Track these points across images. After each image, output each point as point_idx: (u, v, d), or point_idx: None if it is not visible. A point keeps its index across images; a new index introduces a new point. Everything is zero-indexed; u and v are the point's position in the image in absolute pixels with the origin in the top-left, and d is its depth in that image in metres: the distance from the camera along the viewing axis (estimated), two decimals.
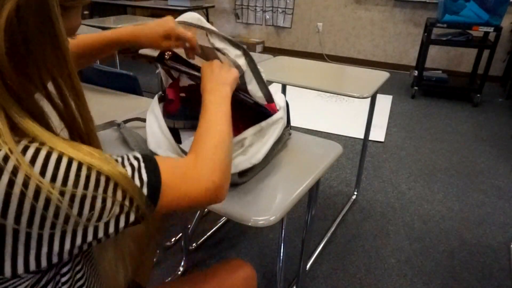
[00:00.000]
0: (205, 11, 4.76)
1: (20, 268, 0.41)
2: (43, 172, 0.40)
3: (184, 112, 1.01)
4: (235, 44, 0.81)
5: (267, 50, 5.17)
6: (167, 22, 0.82)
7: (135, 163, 0.49)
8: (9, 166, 0.38)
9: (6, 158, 0.38)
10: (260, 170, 0.88)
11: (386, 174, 2.24)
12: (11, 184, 0.38)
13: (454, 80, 3.69)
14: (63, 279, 0.48)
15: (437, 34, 3.43)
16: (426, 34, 3.38)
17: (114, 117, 1.04)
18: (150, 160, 0.51)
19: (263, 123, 0.85)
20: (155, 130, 0.84)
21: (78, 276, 0.51)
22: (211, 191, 0.56)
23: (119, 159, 0.48)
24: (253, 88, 0.85)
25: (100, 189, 0.43)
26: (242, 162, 0.80)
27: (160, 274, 1.48)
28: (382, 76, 1.69)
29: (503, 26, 3.19)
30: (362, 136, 1.93)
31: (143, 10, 4.65)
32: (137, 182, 0.47)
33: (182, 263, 1.53)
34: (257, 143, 0.84)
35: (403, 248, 1.66)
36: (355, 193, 2.02)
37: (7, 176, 0.38)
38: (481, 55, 3.62)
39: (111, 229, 0.45)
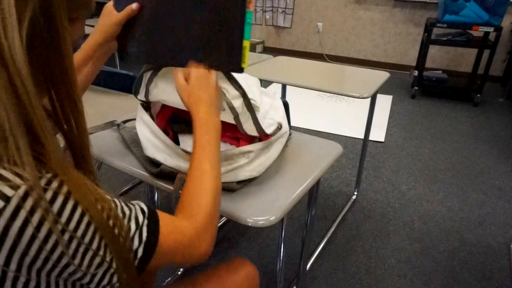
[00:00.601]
0: None
1: None
2: (59, 215, 0.39)
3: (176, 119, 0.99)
4: (236, 84, 0.78)
5: (267, 50, 5.17)
6: (109, 17, 0.77)
7: (140, 218, 0.49)
8: (27, 205, 0.37)
9: (26, 196, 0.37)
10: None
11: (386, 174, 2.24)
12: (25, 223, 0.37)
13: (454, 80, 3.69)
14: None
15: (437, 34, 3.43)
16: (426, 34, 3.38)
17: (114, 117, 1.04)
18: (153, 219, 0.51)
19: (273, 138, 0.86)
20: (148, 136, 0.84)
21: None
22: (201, 259, 0.58)
23: (126, 211, 0.48)
24: (250, 127, 0.82)
25: (94, 245, 0.43)
26: (243, 173, 0.81)
27: (160, 275, 1.48)
28: (382, 76, 1.69)
29: (503, 26, 3.19)
30: (362, 136, 1.94)
31: None
32: (136, 241, 0.48)
33: None
34: (261, 157, 0.84)
35: (403, 248, 1.66)
36: (355, 193, 2.02)
37: (23, 214, 0.37)
38: (481, 55, 3.62)
39: (93, 285, 0.45)
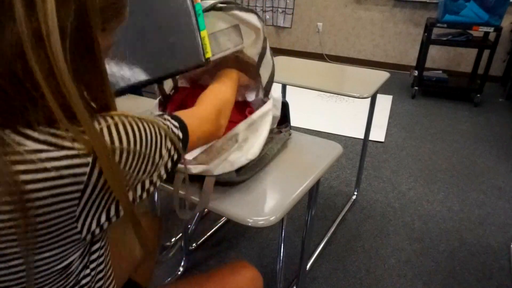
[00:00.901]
0: None
1: (93, 226, 0.47)
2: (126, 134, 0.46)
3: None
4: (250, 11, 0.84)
5: None
6: None
7: (167, 118, 0.59)
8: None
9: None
10: (260, 170, 0.88)
11: (386, 174, 2.24)
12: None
13: (454, 80, 3.69)
14: (93, 256, 0.53)
15: (437, 34, 3.43)
16: (426, 34, 3.38)
17: None
18: (173, 116, 0.61)
19: (254, 116, 0.86)
20: None
21: (103, 254, 0.56)
22: (220, 131, 0.72)
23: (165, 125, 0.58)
24: (263, 70, 0.88)
25: (162, 141, 0.53)
26: (238, 158, 0.80)
27: (160, 274, 1.48)
28: (382, 76, 1.69)
29: (503, 26, 3.19)
30: (362, 136, 1.94)
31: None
32: (174, 130, 0.58)
33: (182, 263, 1.53)
34: (251, 138, 0.84)
35: (403, 248, 1.66)
36: (355, 193, 2.02)
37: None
38: (481, 55, 3.62)
39: (163, 172, 0.55)
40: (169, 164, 0.56)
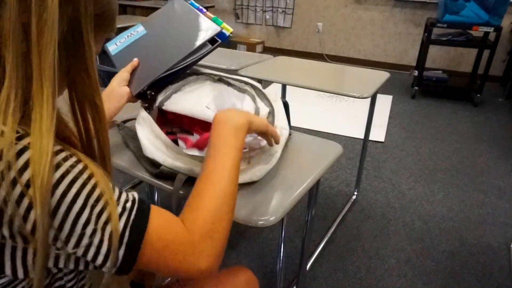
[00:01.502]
0: None
1: (20, 273, 0.42)
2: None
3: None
4: (267, 101, 0.90)
5: (267, 50, 5.17)
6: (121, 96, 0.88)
7: (128, 208, 0.46)
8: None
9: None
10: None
11: (386, 174, 2.24)
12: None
13: (454, 80, 3.69)
14: (69, 282, 0.49)
15: (437, 34, 3.43)
16: (426, 34, 3.38)
17: (114, 117, 1.04)
18: (144, 209, 0.47)
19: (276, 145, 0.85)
20: (148, 136, 0.84)
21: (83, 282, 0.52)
22: (201, 274, 0.49)
23: (116, 194, 0.46)
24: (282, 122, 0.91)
25: (101, 222, 0.42)
26: (243, 176, 0.80)
27: (159, 275, 1.48)
28: (382, 76, 1.69)
29: (503, 26, 3.19)
30: (362, 136, 1.94)
31: (143, 10, 4.64)
32: (122, 222, 0.44)
33: None
34: (262, 164, 0.83)
35: (403, 248, 1.66)
36: (355, 193, 2.02)
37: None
38: (481, 55, 3.62)
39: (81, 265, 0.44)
40: (91, 253, 0.42)
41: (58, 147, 0.41)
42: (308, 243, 1.13)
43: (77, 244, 0.41)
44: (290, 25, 4.92)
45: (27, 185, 0.37)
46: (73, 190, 0.40)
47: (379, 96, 3.42)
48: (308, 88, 1.52)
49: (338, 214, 1.86)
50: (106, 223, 0.42)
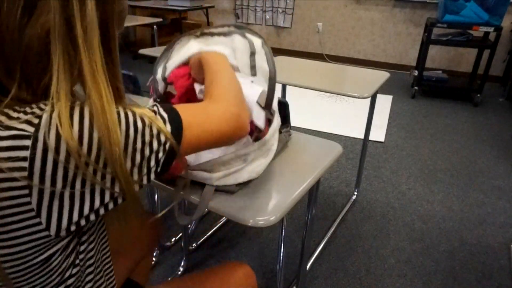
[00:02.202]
0: (205, 11, 4.77)
1: (64, 223, 0.45)
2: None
3: None
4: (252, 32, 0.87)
5: None
6: None
7: (155, 108, 0.53)
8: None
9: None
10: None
11: (386, 174, 2.24)
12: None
13: (454, 80, 3.69)
14: (81, 248, 0.52)
15: (437, 34, 3.43)
16: (426, 34, 3.38)
17: None
18: (166, 106, 0.55)
19: (267, 136, 0.83)
20: None
21: (90, 247, 0.55)
22: (232, 121, 0.60)
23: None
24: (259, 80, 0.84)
25: (145, 129, 0.48)
26: (242, 175, 0.80)
27: (160, 274, 1.48)
28: (382, 76, 1.69)
29: (503, 26, 3.19)
30: (362, 136, 1.94)
31: (143, 10, 4.65)
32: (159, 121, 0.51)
33: (182, 263, 1.53)
34: (260, 158, 0.83)
35: (403, 248, 1.66)
36: (355, 193, 2.02)
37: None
38: (481, 55, 3.62)
39: (153, 164, 0.50)
40: (160, 155, 0.51)
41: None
42: (308, 243, 1.13)
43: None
44: (290, 25, 4.92)
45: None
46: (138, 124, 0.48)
47: (379, 96, 3.42)
48: (308, 88, 1.52)
49: (338, 214, 1.86)
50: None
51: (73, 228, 0.46)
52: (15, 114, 0.43)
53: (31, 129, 0.41)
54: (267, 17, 5.02)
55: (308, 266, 1.53)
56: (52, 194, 0.43)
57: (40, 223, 0.44)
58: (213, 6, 4.76)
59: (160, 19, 3.60)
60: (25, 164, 0.41)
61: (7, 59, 0.44)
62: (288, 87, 1.81)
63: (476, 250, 1.66)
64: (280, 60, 1.91)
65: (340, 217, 1.83)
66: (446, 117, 3.13)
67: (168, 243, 1.64)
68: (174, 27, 4.78)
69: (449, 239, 1.73)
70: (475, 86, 3.44)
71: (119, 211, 0.51)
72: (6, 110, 0.43)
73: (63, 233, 0.46)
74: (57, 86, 0.43)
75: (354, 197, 2.00)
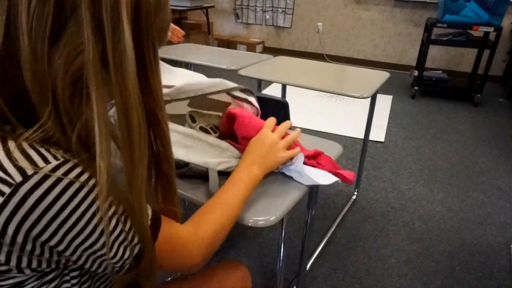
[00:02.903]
0: (205, 11, 4.77)
1: (24, 264, 0.42)
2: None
3: None
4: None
5: (267, 50, 5.17)
6: None
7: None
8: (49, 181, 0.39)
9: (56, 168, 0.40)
10: None
11: (386, 174, 2.24)
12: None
13: (454, 80, 3.69)
14: (73, 281, 0.50)
15: (437, 34, 3.43)
16: (426, 34, 3.38)
17: None
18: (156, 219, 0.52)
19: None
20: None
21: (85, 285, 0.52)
22: (192, 268, 0.59)
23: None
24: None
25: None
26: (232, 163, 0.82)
27: (160, 274, 1.48)
28: (382, 76, 1.69)
29: (503, 26, 3.19)
30: (362, 136, 1.93)
31: None
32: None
33: None
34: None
35: (403, 248, 1.66)
36: (355, 193, 2.02)
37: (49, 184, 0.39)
38: (481, 55, 3.62)
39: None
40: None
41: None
42: (308, 243, 1.13)
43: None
44: (290, 25, 4.92)
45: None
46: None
47: (379, 96, 3.41)
48: (308, 88, 1.52)
49: (338, 214, 1.86)
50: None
51: (40, 269, 0.44)
52: (17, 155, 0.39)
53: (18, 179, 0.38)
54: (267, 17, 5.02)
55: (308, 266, 1.53)
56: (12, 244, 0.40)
57: None
58: (213, 6, 4.76)
59: None
60: None
61: (41, 84, 0.40)
62: (288, 87, 1.81)
63: (476, 250, 1.66)
64: (280, 60, 1.91)
65: (340, 217, 1.83)
66: (446, 117, 3.13)
67: None
68: None
69: (449, 239, 1.73)
70: (475, 86, 3.44)
71: None
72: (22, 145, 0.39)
73: (27, 272, 0.43)
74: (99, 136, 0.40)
75: (354, 197, 2.00)
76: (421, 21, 4.16)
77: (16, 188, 0.37)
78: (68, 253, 0.43)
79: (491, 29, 3.15)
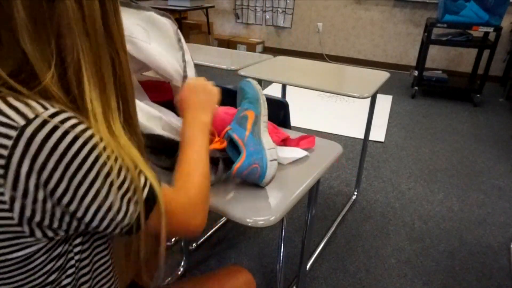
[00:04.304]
0: (205, 11, 4.77)
1: (34, 226, 0.44)
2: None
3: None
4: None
5: (267, 50, 5.17)
6: None
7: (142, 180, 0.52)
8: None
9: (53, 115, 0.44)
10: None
11: (386, 174, 2.24)
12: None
13: (454, 80, 3.69)
14: (74, 256, 0.52)
15: (437, 34, 3.43)
16: (426, 34, 3.38)
17: None
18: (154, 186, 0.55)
19: None
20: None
21: (84, 262, 0.54)
22: (197, 231, 0.62)
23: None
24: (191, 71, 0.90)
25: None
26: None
27: (160, 274, 1.48)
28: (382, 76, 1.69)
29: (503, 26, 3.19)
30: (362, 136, 1.94)
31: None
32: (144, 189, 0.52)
33: (182, 263, 1.53)
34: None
35: (403, 248, 1.66)
36: (355, 193, 2.02)
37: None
38: (481, 55, 3.62)
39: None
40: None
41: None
42: (308, 243, 1.13)
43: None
44: (290, 25, 4.92)
45: None
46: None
47: (379, 96, 3.42)
48: (308, 88, 1.52)
49: (338, 214, 1.86)
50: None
51: (50, 234, 0.46)
52: (17, 104, 0.42)
53: (21, 122, 0.41)
54: (267, 17, 5.02)
55: (308, 266, 1.53)
56: (25, 195, 0.42)
57: (12, 218, 0.43)
58: (213, 6, 4.76)
59: None
60: (5, 152, 0.41)
61: (40, 35, 0.44)
62: (288, 87, 1.81)
63: (476, 250, 1.66)
64: (280, 60, 1.91)
65: (340, 217, 1.83)
66: (446, 117, 3.13)
67: (168, 243, 1.64)
68: None
69: (449, 239, 1.73)
70: (475, 86, 3.44)
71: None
72: (15, 100, 0.43)
73: (38, 234, 0.45)
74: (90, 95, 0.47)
75: (354, 197, 2.00)
76: (421, 21, 4.17)
77: (22, 130, 0.41)
78: (74, 206, 0.45)
79: (490, 29, 3.15)
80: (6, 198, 0.42)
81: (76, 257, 0.51)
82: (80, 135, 0.43)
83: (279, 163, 0.90)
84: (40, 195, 0.43)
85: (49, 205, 0.44)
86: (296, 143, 0.98)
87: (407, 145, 2.62)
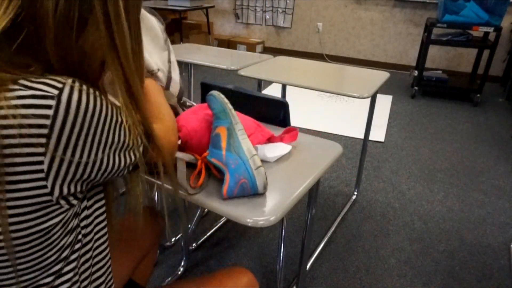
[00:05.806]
0: (205, 11, 4.77)
1: (65, 190, 0.48)
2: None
3: None
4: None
5: (267, 50, 5.17)
6: None
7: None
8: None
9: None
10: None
11: (386, 174, 2.24)
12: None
13: (454, 80, 3.69)
14: (82, 231, 0.55)
15: (437, 34, 3.43)
16: (426, 34, 3.38)
17: None
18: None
19: None
20: None
21: (87, 238, 0.57)
22: (176, 147, 0.78)
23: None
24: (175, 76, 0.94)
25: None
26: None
27: (160, 274, 1.48)
28: (382, 76, 1.69)
29: (503, 26, 3.19)
30: (362, 136, 1.94)
31: (143, 10, 4.64)
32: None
33: (182, 263, 1.53)
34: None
35: (403, 248, 1.66)
36: (355, 193, 2.02)
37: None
38: (481, 55, 3.62)
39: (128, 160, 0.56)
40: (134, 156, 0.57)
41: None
42: (308, 243, 1.13)
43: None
44: (290, 25, 4.92)
45: None
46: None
47: (379, 96, 3.42)
48: (308, 88, 1.52)
49: (338, 214, 1.86)
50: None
51: (71, 199, 0.49)
52: (41, 79, 0.45)
53: (55, 92, 0.44)
54: (267, 17, 5.02)
55: (308, 266, 1.53)
56: (62, 160, 0.45)
57: (45, 187, 0.45)
58: (213, 6, 4.76)
59: None
60: (45, 130, 0.43)
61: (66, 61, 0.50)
62: (288, 87, 1.81)
63: (476, 250, 1.66)
64: (280, 60, 1.91)
65: (340, 217, 1.83)
66: (446, 117, 3.13)
67: (168, 243, 1.64)
68: (174, 27, 4.78)
69: (449, 239, 1.73)
70: (475, 86, 3.44)
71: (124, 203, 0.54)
72: (33, 78, 0.46)
73: (62, 201, 0.48)
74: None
75: (354, 197, 2.00)
76: (421, 21, 4.17)
77: (59, 98, 0.44)
78: (99, 155, 0.50)
79: (490, 29, 3.15)
80: (44, 166, 0.44)
81: (83, 231, 0.54)
82: (97, 95, 0.48)
83: (267, 162, 0.92)
84: (77, 155, 0.47)
85: (83, 160, 0.48)
86: (279, 138, 1.00)
87: (407, 145, 2.62)
